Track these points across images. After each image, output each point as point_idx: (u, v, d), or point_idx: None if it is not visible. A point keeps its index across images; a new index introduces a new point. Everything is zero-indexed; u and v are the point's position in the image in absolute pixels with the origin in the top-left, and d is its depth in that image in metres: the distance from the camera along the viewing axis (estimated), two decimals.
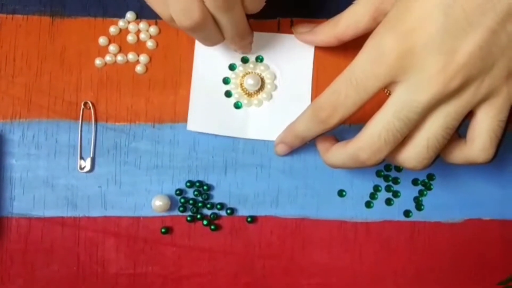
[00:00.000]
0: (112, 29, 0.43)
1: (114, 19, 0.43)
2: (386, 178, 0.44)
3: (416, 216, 0.44)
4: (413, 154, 0.35)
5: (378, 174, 0.44)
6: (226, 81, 0.43)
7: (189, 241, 0.43)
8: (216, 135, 0.43)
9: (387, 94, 0.35)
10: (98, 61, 0.43)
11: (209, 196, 0.43)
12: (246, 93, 0.43)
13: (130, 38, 0.43)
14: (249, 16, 0.37)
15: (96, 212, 0.42)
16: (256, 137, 0.43)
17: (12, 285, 0.42)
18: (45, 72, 0.43)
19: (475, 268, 0.44)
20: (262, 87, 0.43)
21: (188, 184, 0.43)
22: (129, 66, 0.43)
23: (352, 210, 0.43)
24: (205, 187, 0.43)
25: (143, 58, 0.43)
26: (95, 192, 0.42)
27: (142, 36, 0.43)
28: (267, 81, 0.43)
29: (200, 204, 0.43)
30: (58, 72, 0.43)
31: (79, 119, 0.43)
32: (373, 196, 0.44)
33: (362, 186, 0.44)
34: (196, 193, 0.43)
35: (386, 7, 0.36)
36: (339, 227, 0.43)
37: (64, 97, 0.43)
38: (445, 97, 0.32)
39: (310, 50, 0.43)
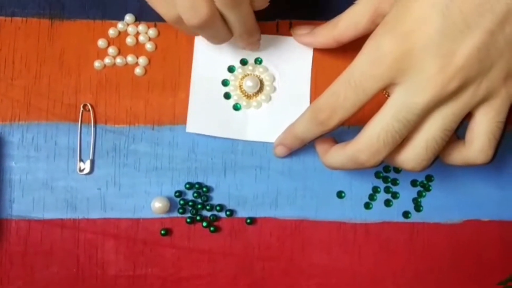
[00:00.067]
0: (111, 32, 0.43)
1: (113, 21, 0.43)
2: (385, 180, 0.44)
3: (415, 217, 0.44)
4: (412, 156, 0.35)
5: (377, 175, 0.44)
6: (225, 83, 0.43)
7: (189, 243, 0.43)
8: (215, 137, 0.43)
9: (386, 95, 0.35)
10: (97, 64, 0.43)
11: (208, 198, 0.43)
12: (245, 95, 0.43)
13: (129, 40, 0.43)
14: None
15: (95, 214, 0.42)
16: (255, 139, 0.43)
17: (12, 287, 0.42)
18: (44, 75, 0.43)
19: (474, 268, 0.44)
20: (261, 89, 0.43)
21: (187, 185, 0.43)
22: (128, 68, 0.43)
23: (351, 211, 0.43)
24: (204, 189, 0.43)
25: (142, 60, 0.43)
26: (94, 194, 0.42)
27: (141, 38, 0.43)
28: (266, 83, 0.43)
29: (199, 206, 0.43)
30: (57, 74, 0.43)
31: (78, 122, 0.43)
32: (372, 197, 0.44)
33: (361, 188, 0.44)
34: (195, 194, 0.43)
35: (384, 9, 0.36)
36: (338, 228, 0.43)
37: (63, 99, 0.43)
38: (443, 99, 0.32)
39: (309, 52, 0.43)
